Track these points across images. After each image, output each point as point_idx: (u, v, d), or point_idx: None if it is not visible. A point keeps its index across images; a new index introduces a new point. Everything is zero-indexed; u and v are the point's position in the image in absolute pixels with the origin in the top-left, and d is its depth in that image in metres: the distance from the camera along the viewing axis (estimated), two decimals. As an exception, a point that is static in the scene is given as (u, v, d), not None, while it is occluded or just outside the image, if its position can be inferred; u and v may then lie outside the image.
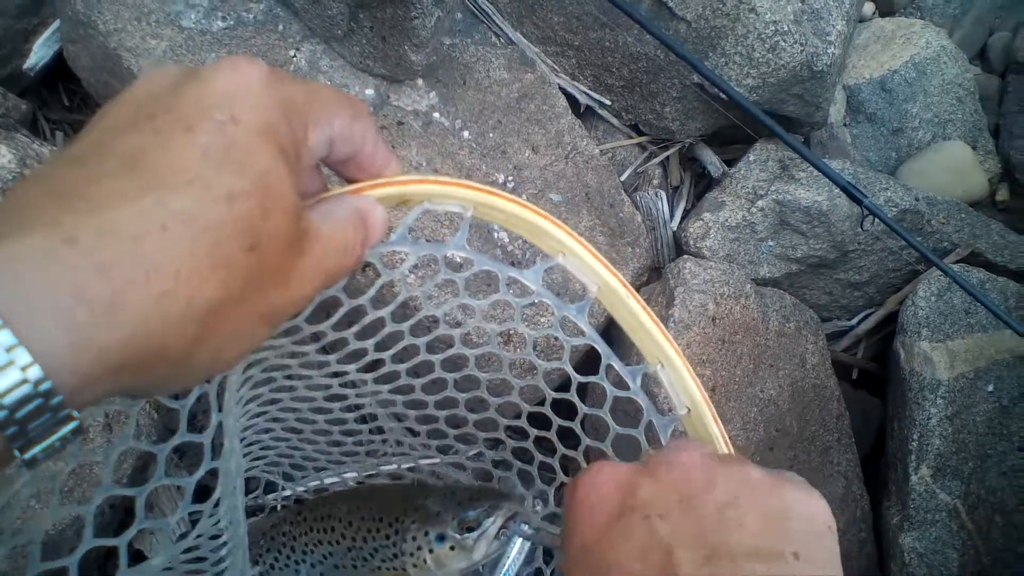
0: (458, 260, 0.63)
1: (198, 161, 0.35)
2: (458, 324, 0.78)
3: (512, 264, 1.12)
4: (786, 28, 1.23)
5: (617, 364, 0.61)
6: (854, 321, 1.43)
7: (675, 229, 1.34)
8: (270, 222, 0.37)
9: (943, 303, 1.30)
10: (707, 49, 1.25)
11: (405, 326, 0.71)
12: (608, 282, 0.56)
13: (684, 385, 0.57)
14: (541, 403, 0.77)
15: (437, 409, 0.85)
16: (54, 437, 0.33)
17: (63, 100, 1.18)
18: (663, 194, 1.34)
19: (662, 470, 0.48)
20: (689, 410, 0.57)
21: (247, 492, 1.02)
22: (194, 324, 0.35)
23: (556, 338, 0.69)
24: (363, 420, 0.94)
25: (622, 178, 1.36)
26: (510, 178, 1.21)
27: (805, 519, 0.45)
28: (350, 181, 0.49)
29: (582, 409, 0.71)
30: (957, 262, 1.37)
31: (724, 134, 1.38)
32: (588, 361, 0.71)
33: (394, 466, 1.04)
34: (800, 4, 1.25)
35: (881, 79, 1.61)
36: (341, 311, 0.64)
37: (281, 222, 0.38)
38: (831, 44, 1.26)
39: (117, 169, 0.35)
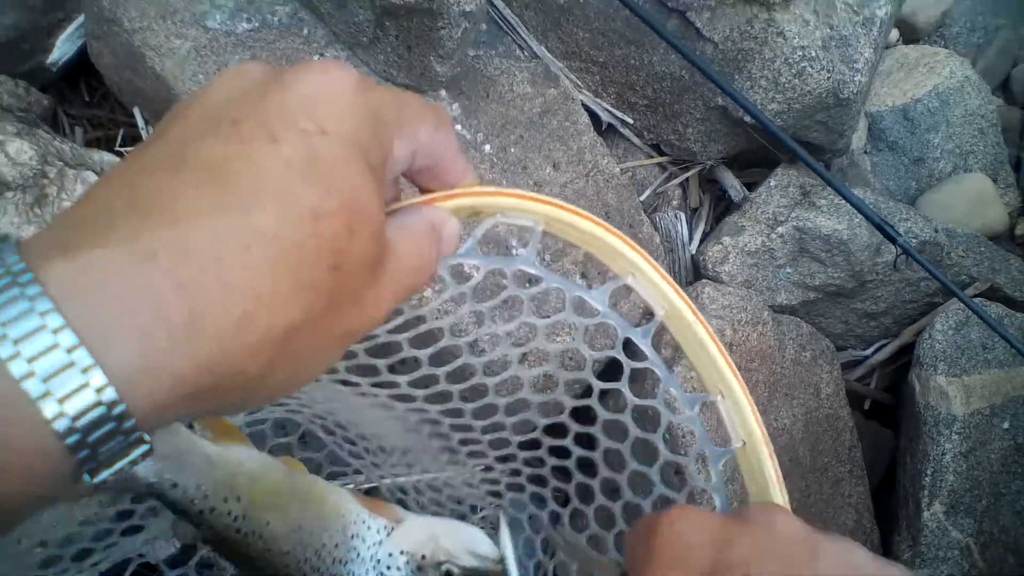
0: (523, 275, 0.61)
1: (282, 175, 0.34)
2: (520, 344, 0.77)
3: (528, 283, 1.11)
4: (814, 54, 1.22)
5: (677, 391, 0.59)
6: (869, 351, 1.42)
7: (693, 252, 1.33)
8: (356, 242, 0.35)
9: (960, 337, 1.28)
10: (733, 72, 1.24)
11: (462, 342, 0.70)
12: (676, 306, 0.54)
13: (743, 418, 0.55)
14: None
15: (474, 419, 0.83)
16: (125, 460, 0.32)
17: (84, 96, 1.17)
18: (682, 216, 1.32)
19: (759, 530, 0.45)
20: (744, 443, 0.55)
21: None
22: (271, 348, 0.33)
23: (614, 359, 0.67)
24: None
25: (641, 198, 1.34)
26: (547, 255, 1.20)
27: None
28: (424, 191, 0.47)
29: (633, 432, 0.70)
30: (976, 296, 1.35)
31: (745, 157, 1.37)
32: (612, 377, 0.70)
33: (388, 481, 1.03)
34: (829, 30, 1.24)
35: (904, 107, 1.60)
36: (397, 319, 0.62)
37: (367, 242, 0.36)
38: (858, 72, 1.25)
39: (198, 180, 0.33)
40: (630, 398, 0.67)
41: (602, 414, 0.72)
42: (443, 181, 0.46)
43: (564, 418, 0.77)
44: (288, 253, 0.33)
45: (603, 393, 0.68)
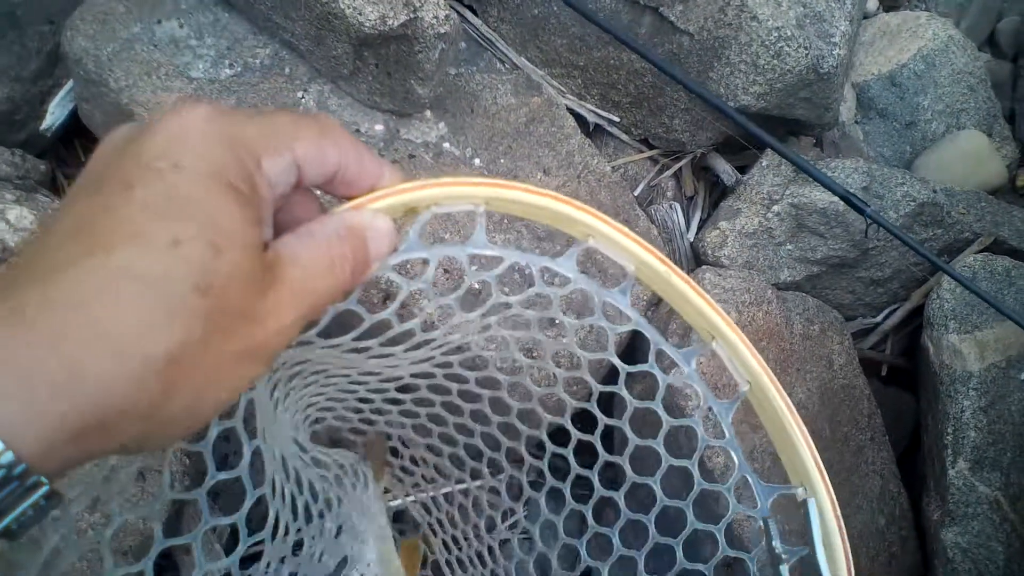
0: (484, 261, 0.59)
1: (139, 215, 0.35)
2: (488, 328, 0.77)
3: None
4: (789, 33, 1.24)
5: (668, 348, 0.57)
6: (880, 318, 1.42)
7: (692, 240, 1.34)
8: (224, 261, 0.36)
9: (969, 294, 1.29)
10: (712, 60, 1.26)
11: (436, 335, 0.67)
12: (645, 260, 0.52)
13: (741, 358, 0.53)
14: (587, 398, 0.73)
15: (473, 422, 0.84)
16: (25, 504, 0.33)
17: (80, 156, 1.21)
18: (678, 206, 1.34)
19: None
20: (751, 384, 0.54)
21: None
22: (156, 377, 0.34)
23: (598, 328, 0.65)
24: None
25: (635, 193, 1.36)
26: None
27: None
28: (349, 200, 0.47)
29: (631, 403, 0.66)
30: (981, 251, 1.36)
31: (736, 142, 1.39)
32: (613, 373, 0.69)
33: (423, 495, 1.05)
34: (802, 8, 1.26)
35: (890, 74, 1.61)
36: (363, 326, 0.59)
37: (238, 258, 0.37)
38: (836, 45, 1.27)
39: (63, 238, 0.35)
40: (621, 366, 0.64)
41: (595, 387, 0.70)
42: (358, 186, 0.47)
43: (561, 391, 0.75)
44: (153, 284, 0.34)
45: (607, 372, 0.66)
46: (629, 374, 0.63)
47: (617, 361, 0.63)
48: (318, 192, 0.48)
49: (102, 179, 0.37)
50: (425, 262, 0.51)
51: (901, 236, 1.17)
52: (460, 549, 0.98)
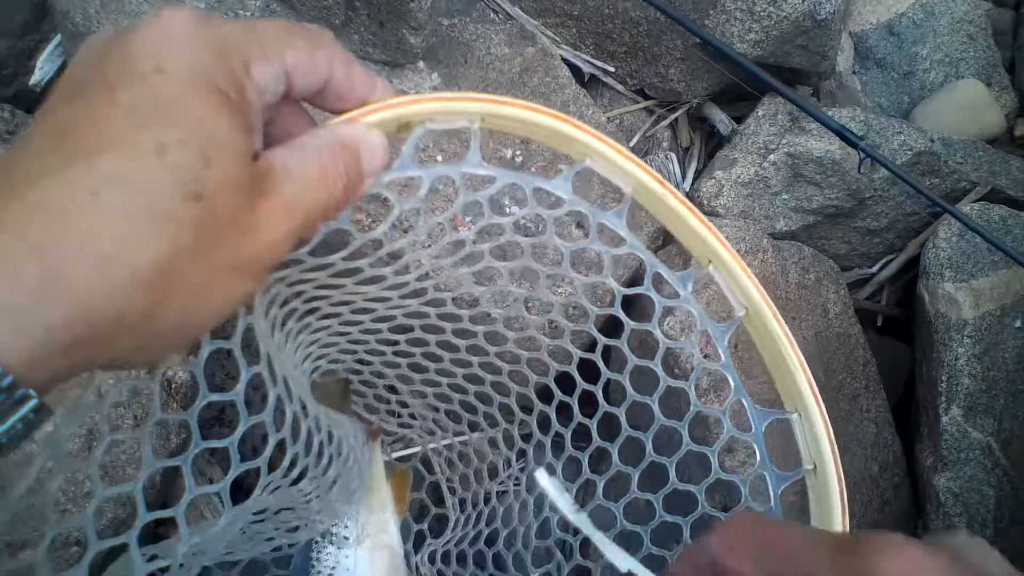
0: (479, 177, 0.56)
1: (123, 119, 0.34)
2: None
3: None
4: (784, -21, 1.22)
5: (665, 271, 0.56)
6: (875, 268, 1.42)
7: (688, 190, 1.34)
8: (214, 168, 0.35)
9: (965, 243, 1.29)
10: (707, 7, 1.25)
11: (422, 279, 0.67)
12: (642, 181, 0.51)
13: (738, 282, 0.53)
14: (592, 348, 0.73)
15: (473, 367, 0.83)
16: (14, 418, 0.33)
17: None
18: (673, 156, 1.34)
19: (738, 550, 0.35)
20: (747, 310, 0.54)
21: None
22: (145, 288, 0.34)
23: (597, 253, 0.64)
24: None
25: (631, 143, 1.36)
26: (518, 152, 1.22)
27: None
28: (340, 115, 0.46)
29: (628, 325, 0.66)
30: (977, 200, 1.36)
31: (732, 91, 1.38)
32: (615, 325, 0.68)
33: (418, 448, 1.05)
34: (797, -46, 1.24)
35: (888, 23, 1.59)
36: (353, 245, 0.56)
37: (228, 166, 0.36)
38: (832, -9, 1.26)
39: (43, 145, 0.34)
40: (617, 289, 0.63)
41: (592, 310, 0.69)
42: (348, 99, 0.45)
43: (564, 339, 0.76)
44: (140, 192, 0.33)
45: (615, 298, 0.64)
46: (626, 298, 0.63)
47: (614, 285, 0.62)
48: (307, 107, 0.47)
49: (83, 84, 0.36)
50: (417, 181, 0.50)
51: (895, 170, 1.17)
52: (464, 490, 0.99)
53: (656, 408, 0.67)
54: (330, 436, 0.63)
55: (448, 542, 0.95)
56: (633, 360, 0.67)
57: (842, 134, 1.18)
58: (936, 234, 1.31)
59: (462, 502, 0.97)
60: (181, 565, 0.56)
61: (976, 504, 1.15)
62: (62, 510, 0.83)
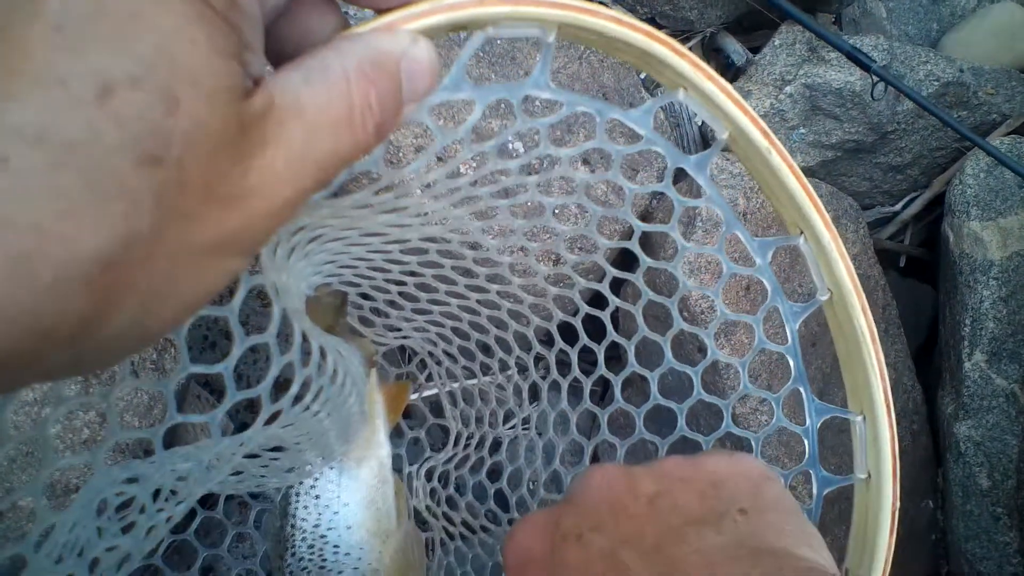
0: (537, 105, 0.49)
1: (49, 42, 0.23)
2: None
3: (530, 173, 1.08)
4: None
5: (743, 234, 0.50)
6: (898, 206, 1.36)
7: (700, 124, 1.28)
8: (182, 116, 0.25)
9: (993, 179, 1.22)
10: (721, -72, 1.17)
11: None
12: (744, 129, 0.44)
13: (828, 262, 0.47)
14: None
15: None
16: None
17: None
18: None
19: (579, 495, 0.43)
20: (832, 294, 0.48)
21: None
22: (83, 290, 0.25)
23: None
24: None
25: (641, 76, 1.29)
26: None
27: (739, 477, 0.41)
28: (379, 13, 0.35)
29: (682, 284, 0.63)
30: (1009, 133, 1.28)
31: (748, 20, 1.31)
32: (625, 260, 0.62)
33: (434, 391, 1.00)
34: None
35: (918, -55, 1.50)
36: (376, 185, 0.47)
37: (203, 111, 0.26)
38: (855, -91, 1.17)
39: None
40: (682, 245, 0.57)
41: (645, 261, 0.62)
42: None
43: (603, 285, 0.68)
44: (72, 155, 0.24)
45: (645, 237, 0.59)
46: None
47: (677, 235, 0.56)
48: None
49: None
50: (469, 105, 0.41)
51: (912, 95, 1.09)
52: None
53: (667, 351, 0.63)
54: (334, 373, 0.58)
55: (449, 460, 0.91)
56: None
57: (854, 56, 1.10)
58: (963, 170, 1.24)
59: (464, 417, 0.93)
60: (159, 491, 0.51)
61: (998, 454, 1.10)
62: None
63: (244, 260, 0.30)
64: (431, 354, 0.92)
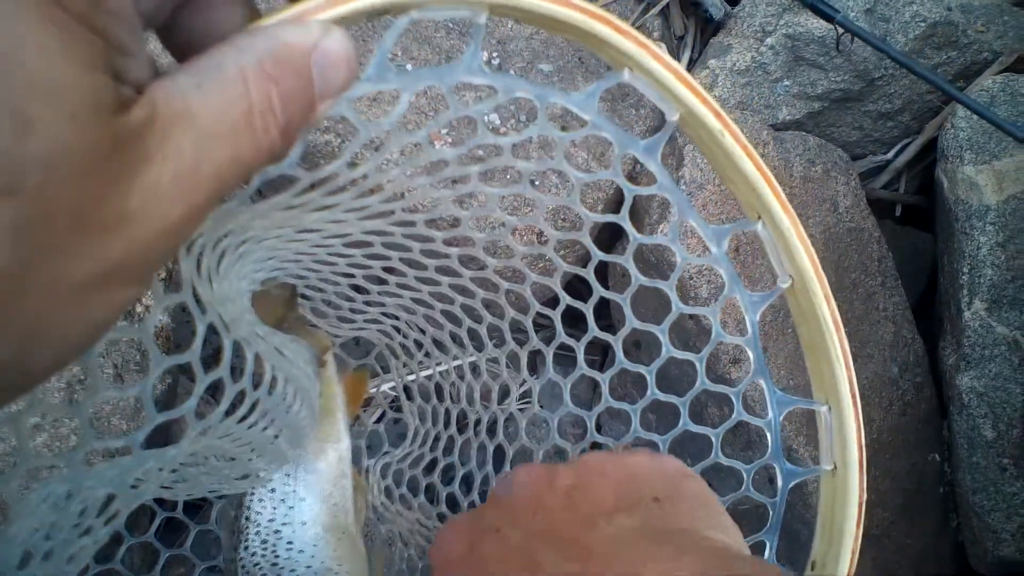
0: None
1: None
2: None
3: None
4: None
5: (697, 221, 0.48)
6: (891, 154, 1.32)
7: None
8: (37, 138, 0.22)
9: (986, 122, 1.18)
10: None
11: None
12: (695, 111, 0.41)
13: (788, 248, 0.45)
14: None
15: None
16: None
17: None
18: (663, 46, 1.23)
19: (502, 493, 0.45)
20: (793, 280, 0.46)
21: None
22: None
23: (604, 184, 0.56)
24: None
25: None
26: (495, 54, 1.13)
27: (657, 472, 0.43)
28: (292, 1, 0.33)
29: (636, 280, 0.56)
30: (1001, 72, 1.24)
31: (726, -29, 1.26)
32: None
33: (429, 371, 0.97)
34: None
35: None
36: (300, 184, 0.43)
37: (63, 130, 0.23)
38: None
39: None
40: (634, 237, 0.53)
41: (596, 255, 0.59)
42: None
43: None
44: None
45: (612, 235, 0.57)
46: (641, 246, 0.53)
47: (628, 227, 0.53)
48: None
49: None
50: (394, 96, 0.39)
51: (877, 44, 1.05)
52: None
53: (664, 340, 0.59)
54: (272, 382, 0.56)
55: (405, 458, 0.89)
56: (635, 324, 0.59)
57: (814, 6, 1.06)
58: (954, 113, 1.20)
59: (421, 413, 0.91)
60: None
61: (1002, 404, 1.07)
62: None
63: (138, 288, 0.27)
64: (388, 347, 0.90)
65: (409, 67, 1.05)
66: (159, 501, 0.85)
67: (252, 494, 0.64)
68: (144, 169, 0.25)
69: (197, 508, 0.97)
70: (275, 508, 0.63)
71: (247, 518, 0.63)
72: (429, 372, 0.88)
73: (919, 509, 1.17)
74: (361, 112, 0.40)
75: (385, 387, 1.01)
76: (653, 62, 0.40)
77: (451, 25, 1.11)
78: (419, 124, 1.02)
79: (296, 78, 0.29)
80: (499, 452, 0.78)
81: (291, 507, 0.63)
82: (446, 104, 0.42)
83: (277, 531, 0.63)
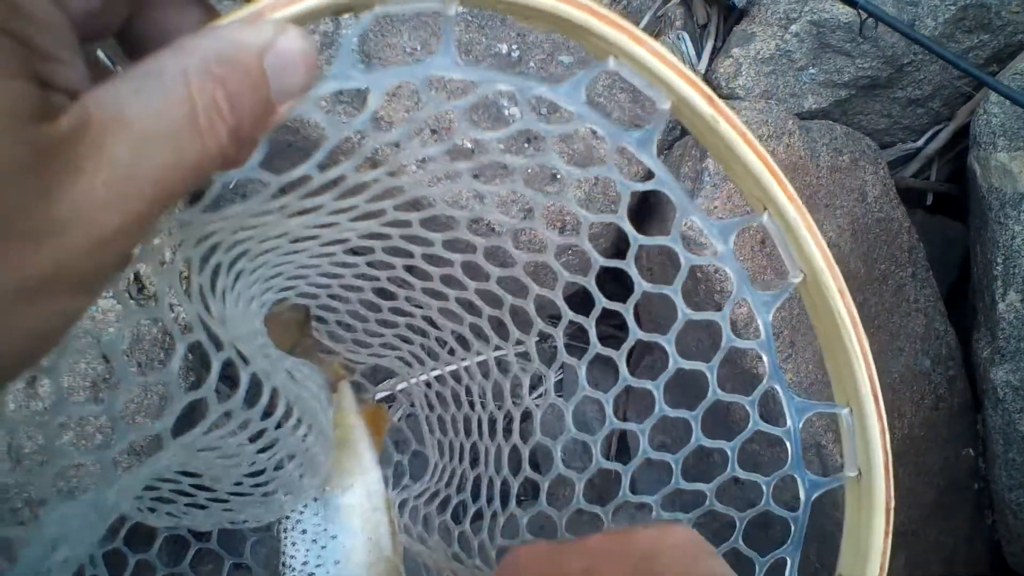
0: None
1: None
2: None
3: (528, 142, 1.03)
4: None
5: (700, 218, 0.46)
6: (921, 142, 1.28)
7: (704, 72, 1.21)
8: None
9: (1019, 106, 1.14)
10: None
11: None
12: (688, 99, 0.39)
13: (796, 240, 0.43)
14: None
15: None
16: None
17: None
18: (686, 35, 1.21)
19: None
20: (805, 275, 0.44)
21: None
22: None
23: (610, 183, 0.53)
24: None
25: (641, 25, 1.23)
26: (515, 46, 1.11)
27: (673, 550, 0.40)
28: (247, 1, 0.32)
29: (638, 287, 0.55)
30: (1038, 56, 1.20)
31: (750, -44, 1.23)
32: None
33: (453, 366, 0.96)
34: None
35: None
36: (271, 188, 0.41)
37: None
38: None
39: None
40: (635, 237, 0.51)
41: (597, 261, 0.58)
42: None
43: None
44: None
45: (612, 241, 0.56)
46: (642, 246, 0.52)
47: (628, 227, 0.51)
48: None
49: None
50: (363, 94, 0.38)
51: (903, 30, 1.02)
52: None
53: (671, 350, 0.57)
54: (294, 418, 0.55)
55: (421, 495, 0.87)
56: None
57: None
58: (987, 98, 1.16)
59: (440, 446, 0.88)
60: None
61: (1038, 398, 1.04)
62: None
63: (80, 297, 0.27)
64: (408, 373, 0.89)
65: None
66: (195, 533, 0.85)
67: (285, 536, 0.63)
68: (74, 178, 0.25)
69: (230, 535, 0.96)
70: (308, 550, 0.62)
71: (283, 563, 0.62)
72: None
73: (952, 506, 1.14)
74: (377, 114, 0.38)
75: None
76: (637, 47, 0.38)
77: (465, 20, 1.09)
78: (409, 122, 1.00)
79: (245, 77, 0.28)
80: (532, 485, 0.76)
81: (323, 547, 0.62)
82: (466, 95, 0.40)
83: (312, 573, 0.61)
